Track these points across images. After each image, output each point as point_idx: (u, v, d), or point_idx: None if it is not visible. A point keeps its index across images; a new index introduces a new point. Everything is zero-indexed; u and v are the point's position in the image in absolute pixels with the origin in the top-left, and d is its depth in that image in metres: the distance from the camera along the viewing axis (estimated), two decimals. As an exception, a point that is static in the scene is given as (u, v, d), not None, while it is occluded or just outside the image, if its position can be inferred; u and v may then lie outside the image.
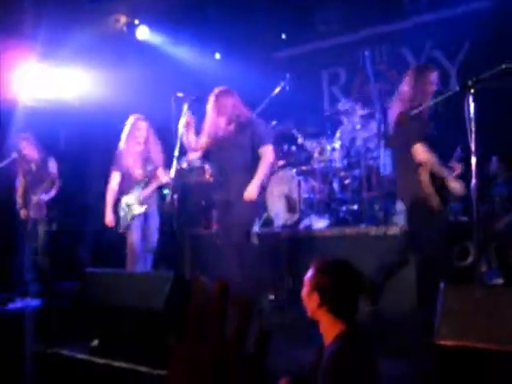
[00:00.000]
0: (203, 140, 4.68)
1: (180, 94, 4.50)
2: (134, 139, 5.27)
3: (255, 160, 4.60)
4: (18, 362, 3.71)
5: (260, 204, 5.09)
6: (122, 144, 5.32)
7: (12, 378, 3.67)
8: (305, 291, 2.42)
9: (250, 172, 4.54)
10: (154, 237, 5.28)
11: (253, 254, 4.72)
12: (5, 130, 6.70)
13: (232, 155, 4.55)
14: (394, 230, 5.05)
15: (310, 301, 2.40)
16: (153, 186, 5.27)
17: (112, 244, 5.87)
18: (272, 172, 6.61)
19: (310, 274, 2.42)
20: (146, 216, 5.28)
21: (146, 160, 5.32)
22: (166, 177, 5.13)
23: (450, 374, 2.39)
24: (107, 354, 3.37)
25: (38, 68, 6.93)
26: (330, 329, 2.38)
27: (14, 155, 6.12)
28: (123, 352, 3.33)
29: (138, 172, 5.29)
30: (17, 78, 6.84)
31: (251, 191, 4.48)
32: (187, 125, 4.52)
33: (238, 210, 4.48)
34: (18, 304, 5.50)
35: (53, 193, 6.18)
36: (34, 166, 6.18)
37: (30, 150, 6.16)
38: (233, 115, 4.54)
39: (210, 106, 4.58)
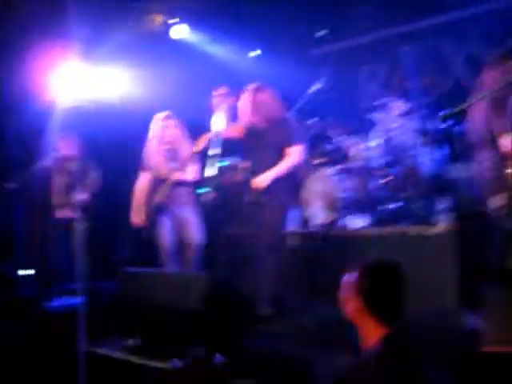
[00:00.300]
0: (235, 130, 4.60)
1: (217, 92, 4.43)
2: (160, 138, 5.21)
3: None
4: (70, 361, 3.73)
5: (291, 204, 4.98)
6: (148, 143, 5.28)
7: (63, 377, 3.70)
8: (344, 293, 2.38)
9: (282, 177, 4.45)
10: (193, 235, 5.18)
11: (287, 255, 4.64)
12: (46, 129, 6.79)
13: (265, 154, 4.46)
14: (436, 230, 4.93)
15: (349, 303, 2.35)
16: (170, 182, 5.18)
17: (149, 243, 5.88)
18: (308, 172, 6.55)
19: (352, 276, 2.37)
20: (178, 215, 5.20)
21: (173, 158, 5.23)
22: (192, 174, 5.08)
23: (494, 381, 2.31)
24: (145, 354, 3.38)
25: (78, 67, 6.99)
26: (370, 333, 2.33)
27: (53, 154, 6.17)
28: (160, 352, 3.33)
29: (163, 171, 5.22)
30: (57, 78, 6.91)
31: (261, 179, 4.37)
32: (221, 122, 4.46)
33: (268, 212, 4.40)
34: (61, 301, 5.60)
35: (91, 193, 6.21)
36: (72, 166, 6.22)
37: (68, 150, 6.20)
38: (268, 112, 4.45)
39: (245, 102, 4.50)
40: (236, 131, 4.60)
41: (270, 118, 4.44)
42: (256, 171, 4.55)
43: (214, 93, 4.46)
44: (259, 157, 4.49)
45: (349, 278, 2.38)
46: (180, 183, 5.17)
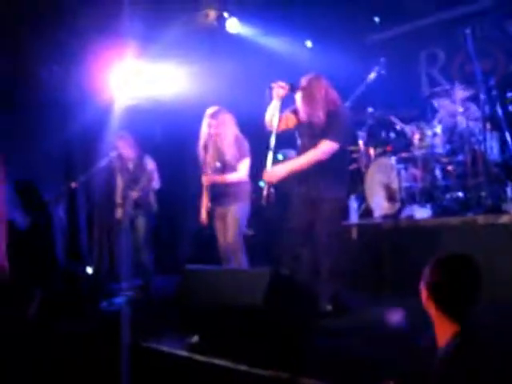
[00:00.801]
0: (290, 121, 4.51)
1: (274, 85, 4.35)
2: (205, 135, 5.15)
3: (339, 155, 4.35)
4: (116, 355, 3.74)
5: (348, 196, 4.83)
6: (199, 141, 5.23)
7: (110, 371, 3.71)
8: (421, 289, 2.29)
9: (333, 169, 4.32)
10: (231, 233, 5.05)
11: (350, 249, 4.52)
12: (104, 128, 6.88)
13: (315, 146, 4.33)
14: (505, 219, 4.70)
15: (424, 299, 2.26)
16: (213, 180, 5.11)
17: (211, 240, 5.86)
18: (368, 161, 6.39)
19: (425, 270, 2.27)
20: (224, 213, 5.15)
21: (220, 155, 5.16)
22: (238, 174, 5.04)
23: None
24: (207, 351, 3.34)
25: (134, 66, 7.06)
26: (442, 329, 2.22)
27: (112, 154, 6.23)
28: (223, 349, 3.28)
29: (210, 168, 5.17)
30: (114, 77, 7.00)
31: (274, 171, 4.22)
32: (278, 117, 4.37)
33: (322, 208, 4.28)
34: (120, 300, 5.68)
35: (151, 188, 6.24)
36: (130, 164, 6.27)
37: (126, 149, 6.25)
38: (324, 103, 4.32)
39: (301, 93, 4.39)
40: (290, 122, 4.51)
41: (325, 108, 4.30)
42: None
43: (273, 84, 4.37)
44: (310, 149, 4.36)
45: (424, 272, 2.27)
46: (226, 184, 5.10)
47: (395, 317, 3.80)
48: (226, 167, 5.11)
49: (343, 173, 4.45)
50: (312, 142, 4.31)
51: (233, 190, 5.07)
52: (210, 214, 5.17)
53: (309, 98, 4.32)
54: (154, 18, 6.72)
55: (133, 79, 7.16)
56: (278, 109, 4.33)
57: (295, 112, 4.48)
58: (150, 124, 7.82)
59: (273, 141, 4.26)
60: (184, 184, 7.76)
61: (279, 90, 4.32)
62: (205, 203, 5.19)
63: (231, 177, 5.07)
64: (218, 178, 5.08)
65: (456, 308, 2.19)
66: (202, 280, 3.55)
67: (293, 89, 4.35)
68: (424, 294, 2.25)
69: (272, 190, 4.25)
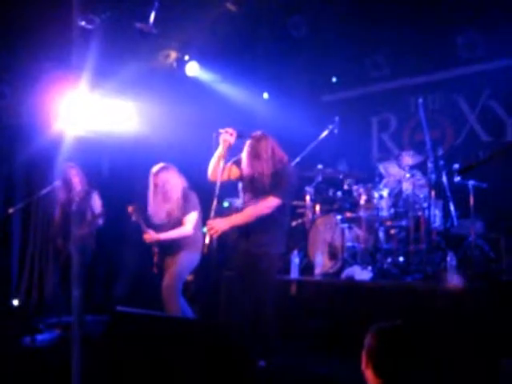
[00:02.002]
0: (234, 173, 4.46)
1: (222, 130, 4.31)
2: (151, 193, 5.23)
3: (281, 211, 4.31)
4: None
5: (287, 251, 4.81)
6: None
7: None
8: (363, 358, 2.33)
9: (273, 225, 4.29)
10: (167, 279, 5.04)
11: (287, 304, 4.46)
12: (51, 157, 6.70)
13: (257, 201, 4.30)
14: (444, 287, 4.74)
15: (363, 363, 2.29)
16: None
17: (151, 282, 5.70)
18: (313, 218, 6.39)
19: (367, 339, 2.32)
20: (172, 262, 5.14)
21: (166, 211, 5.18)
22: (183, 228, 5.06)
23: None
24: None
25: (86, 98, 6.93)
26: None
27: (57, 183, 6.05)
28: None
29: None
30: (65, 107, 6.86)
31: (217, 224, 4.14)
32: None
33: (260, 262, 4.22)
34: (50, 335, 5.40)
35: (95, 225, 6.06)
36: (77, 198, 6.08)
37: (76, 180, 6.08)
38: (270, 162, 4.30)
39: (247, 150, 4.36)
40: (233, 174, 4.44)
41: (268, 169, 4.27)
42: None
43: (221, 130, 4.33)
44: (246, 200, 4.34)
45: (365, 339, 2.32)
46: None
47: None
48: (171, 222, 5.12)
49: (283, 229, 4.40)
50: (254, 198, 4.26)
51: (179, 240, 5.09)
52: (161, 263, 5.16)
53: (255, 156, 4.29)
54: (112, 52, 6.65)
55: (85, 111, 7.02)
56: (223, 156, 4.28)
57: (238, 164, 4.42)
58: (98, 158, 7.67)
59: (217, 188, 4.20)
60: (126, 223, 7.57)
61: (226, 136, 4.28)
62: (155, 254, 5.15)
63: (173, 233, 5.10)
64: (160, 237, 5.09)
65: (391, 373, 2.22)
66: (130, 323, 3.39)
67: (240, 136, 4.32)
68: (363, 359, 2.28)
69: (213, 240, 4.19)
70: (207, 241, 4.11)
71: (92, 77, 6.80)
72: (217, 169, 4.29)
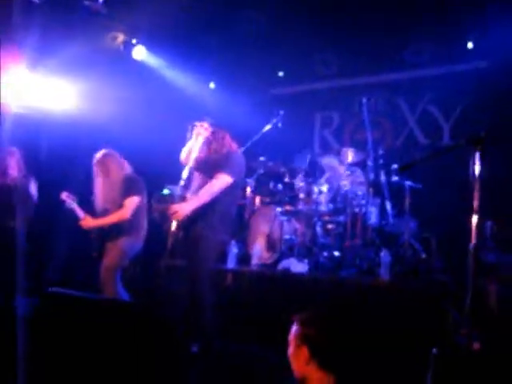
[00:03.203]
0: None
1: (198, 124, 4.46)
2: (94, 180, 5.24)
3: (227, 199, 4.41)
4: None
5: (227, 239, 4.88)
6: None
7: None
8: (291, 349, 2.29)
9: (213, 207, 4.35)
10: (104, 263, 4.99)
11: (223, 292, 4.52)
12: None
13: (203, 182, 4.43)
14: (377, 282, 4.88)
15: (298, 357, 2.24)
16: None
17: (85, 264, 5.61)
18: (254, 209, 6.45)
19: (294, 329, 2.28)
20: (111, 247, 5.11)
21: (105, 198, 5.18)
22: (120, 212, 5.02)
23: None
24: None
25: (27, 75, 6.74)
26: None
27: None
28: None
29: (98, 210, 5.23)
30: (4, 84, 6.64)
31: (182, 208, 4.26)
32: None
33: (201, 246, 4.27)
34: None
35: (28, 215, 5.91)
36: (12, 184, 5.88)
37: (14, 168, 5.89)
38: (214, 147, 4.48)
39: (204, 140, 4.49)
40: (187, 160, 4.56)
41: (214, 151, 4.45)
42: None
43: (198, 123, 4.47)
44: (198, 185, 4.43)
45: (291, 332, 2.30)
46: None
47: None
48: (113, 209, 5.05)
49: (224, 211, 4.45)
50: (206, 177, 4.37)
51: (119, 226, 5.01)
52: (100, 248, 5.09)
53: (202, 144, 4.46)
54: (58, 29, 6.48)
55: (25, 89, 6.82)
56: (196, 147, 4.45)
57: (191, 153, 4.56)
58: (37, 138, 7.46)
59: (185, 174, 4.33)
60: (60, 206, 7.40)
61: (201, 129, 4.40)
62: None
63: (110, 218, 5.02)
64: (97, 222, 5.05)
65: (335, 362, 2.23)
66: (61, 305, 3.32)
67: (214, 132, 4.50)
68: (300, 350, 2.24)
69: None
70: (173, 227, 4.20)
71: (34, 53, 6.64)
72: (188, 157, 4.47)
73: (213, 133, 4.49)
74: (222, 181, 4.30)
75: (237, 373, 3.77)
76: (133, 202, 5.05)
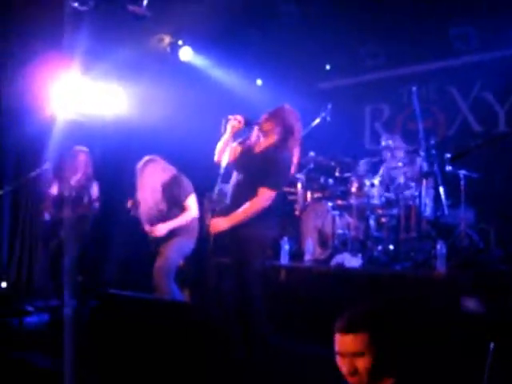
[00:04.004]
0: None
1: (231, 117, 4.30)
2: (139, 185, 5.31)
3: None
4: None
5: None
6: None
7: None
8: (346, 361, 2.05)
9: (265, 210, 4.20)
10: (158, 262, 5.02)
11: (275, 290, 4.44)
12: (42, 140, 6.66)
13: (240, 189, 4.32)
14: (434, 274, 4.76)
15: (354, 367, 2.05)
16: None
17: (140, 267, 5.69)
18: (306, 205, 6.40)
19: (351, 338, 2.05)
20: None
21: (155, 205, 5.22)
22: (186, 214, 5.09)
23: None
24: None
25: (79, 81, 6.88)
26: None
27: (47, 166, 6.01)
28: None
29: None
30: (57, 91, 6.80)
31: (218, 223, 4.08)
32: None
33: (247, 244, 4.20)
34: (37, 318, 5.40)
35: (90, 210, 6.06)
36: (76, 183, 6.04)
37: (81, 166, 6.07)
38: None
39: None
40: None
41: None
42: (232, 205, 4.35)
43: (230, 116, 4.32)
44: (236, 184, 4.30)
45: (354, 328, 2.06)
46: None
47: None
48: (159, 215, 5.12)
49: (272, 212, 4.36)
50: (248, 182, 4.21)
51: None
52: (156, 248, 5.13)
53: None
54: (105, 34, 6.59)
55: (76, 95, 6.97)
56: (231, 141, 4.28)
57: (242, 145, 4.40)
58: (90, 143, 7.61)
59: (222, 171, 4.19)
60: (116, 209, 7.53)
61: (235, 122, 4.25)
62: None
63: (180, 221, 5.06)
64: (166, 227, 5.04)
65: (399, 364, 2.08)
66: (119, 306, 3.38)
67: (248, 124, 4.30)
68: (364, 358, 2.04)
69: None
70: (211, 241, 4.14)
71: (84, 60, 6.78)
72: (223, 153, 4.29)
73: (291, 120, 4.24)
74: (266, 198, 4.06)
75: (288, 372, 3.73)
76: (193, 200, 5.14)
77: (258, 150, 4.25)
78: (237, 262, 4.22)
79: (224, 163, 4.18)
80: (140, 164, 5.25)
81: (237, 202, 4.14)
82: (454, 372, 3.36)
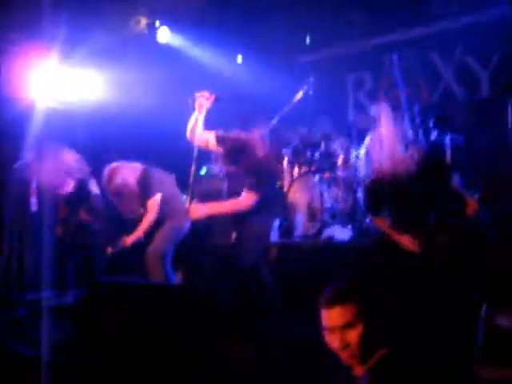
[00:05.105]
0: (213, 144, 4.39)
1: (198, 95, 4.24)
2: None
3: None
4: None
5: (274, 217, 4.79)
6: None
7: None
8: (336, 336, 2.05)
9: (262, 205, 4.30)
10: (150, 248, 5.08)
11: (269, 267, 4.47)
12: (21, 131, 6.56)
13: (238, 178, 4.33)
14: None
15: (346, 338, 2.05)
16: None
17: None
18: (293, 180, 6.38)
19: (339, 310, 2.05)
20: None
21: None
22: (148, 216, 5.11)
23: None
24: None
25: (57, 68, 6.79)
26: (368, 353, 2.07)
27: (29, 155, 5.92)
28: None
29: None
30: (35, 79, 6.70)
31: (197, 210, 4.25)
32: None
33: (252, 226, 4.21)
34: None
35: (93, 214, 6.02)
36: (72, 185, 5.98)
37: (72, 166, 5.98)
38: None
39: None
40: (212, 145, 4.36)
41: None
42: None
43: (197, 94, 4.27)
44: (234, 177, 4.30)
45: (341, 299, 2.08)
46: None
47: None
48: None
49: (271, 205, 4.39)
50: (235, 182, 4.23)
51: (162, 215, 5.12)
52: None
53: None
54: (82, 20, 6.49)
55: (55, 82, 6.87)
56: (201, 120, 4.22)
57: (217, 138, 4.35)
58: (72, 130, 7.53)
59: (195, 153, 4.15)
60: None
61: (202, 100, 4.21)
62: None
63: (143, 227, 5.09)
64: (136, 236, 5.10)
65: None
66: (109, 292, 3.37)
67: (218, 100, 4.25)
68: (353, 330, 2.05)
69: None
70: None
71: (62, 46, 6.68)
72: (194, 132, 4.25)
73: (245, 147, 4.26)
74: (248, 202, 4.16)
75: (279, 349, 3.74)
76: (155, 200, 5.11)
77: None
78: (236, 245, 4.26)
79: (196, 144, 4.17)
80: (105, 177, 5.25)
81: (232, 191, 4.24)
82: (446, 338, 3.39)
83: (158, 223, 5.13)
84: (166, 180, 5.26)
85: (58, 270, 5.65)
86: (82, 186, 5.93)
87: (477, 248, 4.31)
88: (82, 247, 5.94)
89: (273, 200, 4.46)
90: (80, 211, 5.83)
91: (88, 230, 5.98)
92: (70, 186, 5.81)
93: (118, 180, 5.15)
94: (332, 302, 2.07)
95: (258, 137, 4.31)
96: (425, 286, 4.17)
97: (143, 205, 5.14)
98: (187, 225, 5.15)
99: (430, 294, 4.09)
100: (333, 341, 2.07)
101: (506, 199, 5.56)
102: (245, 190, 4.15)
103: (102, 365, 3.04)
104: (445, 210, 4.08)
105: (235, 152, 4.21)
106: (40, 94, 6.73)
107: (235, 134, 4.28)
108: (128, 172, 5.20)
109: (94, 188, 5.97)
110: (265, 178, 4.29)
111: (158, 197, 5.11)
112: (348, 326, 2.03)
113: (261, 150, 4.32)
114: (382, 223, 4.05)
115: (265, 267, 4.35)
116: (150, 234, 5.15)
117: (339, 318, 2.04)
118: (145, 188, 5.11)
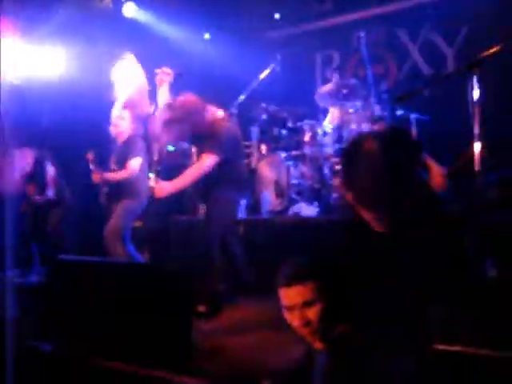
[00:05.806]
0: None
1: (159, 70, 4.24)
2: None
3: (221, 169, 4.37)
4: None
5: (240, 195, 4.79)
6: None
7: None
8: (295, 315, 2.03)
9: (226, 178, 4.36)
10: (109, 225, 5.07)
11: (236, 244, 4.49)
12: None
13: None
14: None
15: (307, 316, 2.03)
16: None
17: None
18: (260, 157, 6.39)
19: (299, 288, 2.02)
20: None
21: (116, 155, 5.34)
22: (125, 171, 5.11)
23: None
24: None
25: (20, 45, 6.64)
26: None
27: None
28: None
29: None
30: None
31: (162, 187, 4.20)
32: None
33: (219, 200, 4.24)
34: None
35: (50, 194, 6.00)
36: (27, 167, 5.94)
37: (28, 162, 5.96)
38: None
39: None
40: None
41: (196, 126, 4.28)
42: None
43: (158, 70, 4.28)
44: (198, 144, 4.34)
45: (300, 278, 2.03)
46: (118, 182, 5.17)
47: None
48: (120, 167, 5.15)
49: (237, 180, 4.40)
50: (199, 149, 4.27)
51: (123, 187, 5.08)
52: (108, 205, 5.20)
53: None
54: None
55: (18, 58, 6.73)
56: (162, 95, 4.26)
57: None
58: (37, 107, 7.40)
59: (158, 130, 4.14)
60: (71, 171, 7.40)
61: (163, 75, 4.23)
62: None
63: (116, 175, 5.11)
64: (105, 176, 5.13)
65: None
66: (73, 271, 3.35)
67: (180, 75, 4.26)
68: (311, 289, 2.02)
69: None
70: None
71: (24, 23, 6.52)
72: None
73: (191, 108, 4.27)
74: (208, 162, 4.17)
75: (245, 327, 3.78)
76: (136, 163, 5.08)
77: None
78: (204, 224, 4.27)
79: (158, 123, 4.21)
80: (115, 113, 5.28)
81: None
82: (407, 312, 3.44)
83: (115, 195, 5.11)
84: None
85: (23, 249, 5.62)
86: (39, 163, 5.91)
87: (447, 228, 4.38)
88: (46, 225, 5.91)
89: (239, 175, 4.48)
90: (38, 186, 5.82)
91: (54, 207, 5.96)
92: (29, 167, 5.80)
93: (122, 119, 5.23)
94: (292, 282, 2.02)
95: (201, 100, 4.33)
96: (390, 262, 4.23)
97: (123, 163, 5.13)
98: (145, 203, 5.18)
99: (394, 270, 4.15)
100: (293, 319, 2.03)
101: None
102: (204, 151, 4.18)
103: (67, 345, 3.03)
104: (412, 182, 4.08)
105: (184, 114, 4.23)
106: (2, 71, 6.59)
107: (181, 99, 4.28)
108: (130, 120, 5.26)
109: (51, 172, 5.98)
110: (225, 143, 4.29)
111: (138, 161, 5.11)
112: (308, 304, 2.00)
113: (210, 113, 4.35)
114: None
115: (233, 241, 4.36)
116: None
117: (299, 297, 2.01)
118: (132, 146, 5.15)
